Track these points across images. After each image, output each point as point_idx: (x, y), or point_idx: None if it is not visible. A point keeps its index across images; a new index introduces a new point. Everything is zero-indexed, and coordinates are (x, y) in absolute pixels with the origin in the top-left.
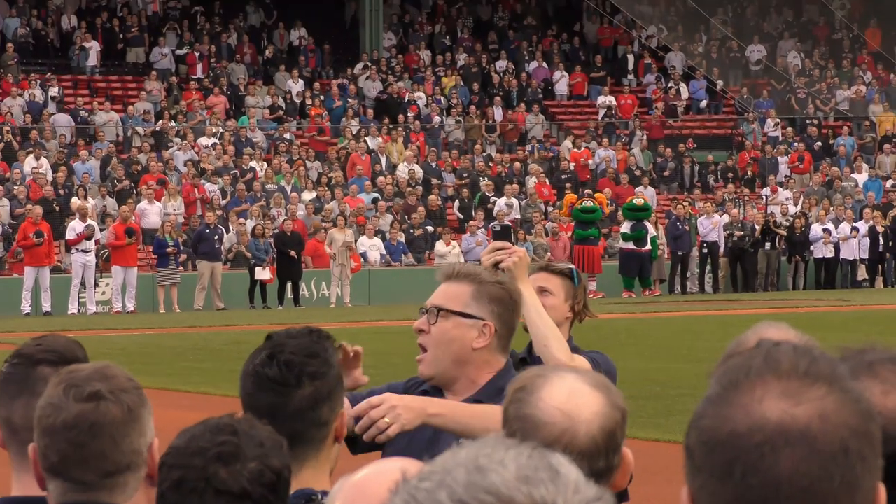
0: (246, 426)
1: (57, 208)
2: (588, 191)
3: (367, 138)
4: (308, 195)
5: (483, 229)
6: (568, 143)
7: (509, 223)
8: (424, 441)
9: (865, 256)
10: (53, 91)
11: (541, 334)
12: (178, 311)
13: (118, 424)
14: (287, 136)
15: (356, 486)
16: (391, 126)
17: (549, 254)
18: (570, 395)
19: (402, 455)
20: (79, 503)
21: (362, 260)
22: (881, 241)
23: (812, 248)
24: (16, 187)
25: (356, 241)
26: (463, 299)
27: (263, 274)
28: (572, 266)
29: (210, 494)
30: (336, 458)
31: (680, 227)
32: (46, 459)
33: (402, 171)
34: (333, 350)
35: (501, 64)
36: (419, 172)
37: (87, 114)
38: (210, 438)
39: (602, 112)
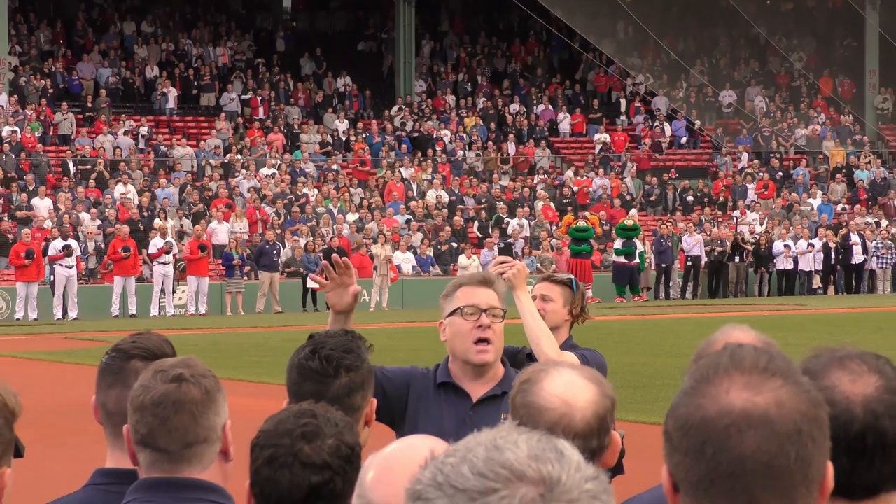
0: (322, 410)
1: (141, 227)
2: (584, 213)
3: (401, 169)
4: (352, 216)
5: (498, 246)
6: (570, 172)
7: (512, 241)
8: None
9: (819, 268)
10: (143, 130)
11: (534, 334)
12: (243, 313)
13: (197, 403)
14: (334, 167)
15: (387, 458)
16: (422, 158)
17: (553, 266)
18: (568, 385)
19: None
20: (163, 476)
21: (397, 271)
22: (833, 256)
23: (775, 261)
24: (107, 210)
25: (392, 255)
26: (500, 302)
27: (314, 283)
28: (572, 276)
29: (297, 467)
30: (366, 439)
31: (664, 243)
32: (137, 433)
33: (431, 196)
34: (366, 348)
35: (514, 107)
36: (445, 197)
37: (166, 148)
38: (294, 421)
39: (598, 147)
